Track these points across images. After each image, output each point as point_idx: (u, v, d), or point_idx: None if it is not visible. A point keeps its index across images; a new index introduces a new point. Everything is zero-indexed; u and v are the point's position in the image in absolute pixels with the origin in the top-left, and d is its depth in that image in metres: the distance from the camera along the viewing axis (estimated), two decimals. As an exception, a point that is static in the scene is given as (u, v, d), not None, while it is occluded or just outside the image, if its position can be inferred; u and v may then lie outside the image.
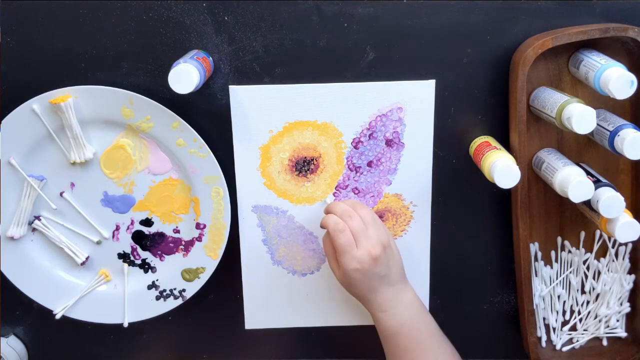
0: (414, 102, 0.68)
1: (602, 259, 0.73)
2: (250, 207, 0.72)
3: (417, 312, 0.68)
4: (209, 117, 0.69)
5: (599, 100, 0.68)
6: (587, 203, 0.64)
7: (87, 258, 0.72)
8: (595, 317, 0.75)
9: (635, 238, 0.62)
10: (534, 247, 0.73)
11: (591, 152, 0.70)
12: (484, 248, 0.74)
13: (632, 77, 0.57)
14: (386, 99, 0.68)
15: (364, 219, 0.65)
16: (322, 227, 0.66)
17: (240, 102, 0.68)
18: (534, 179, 0.70)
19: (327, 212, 0.67)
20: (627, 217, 0.62)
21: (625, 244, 0.73)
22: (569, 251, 0.73)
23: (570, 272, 0.74)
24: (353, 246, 0.63)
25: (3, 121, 0.66)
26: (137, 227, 0.72)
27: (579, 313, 0.75)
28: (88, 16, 0.65)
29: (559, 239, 0.73)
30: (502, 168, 0.60)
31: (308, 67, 0.67)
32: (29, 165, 0.69)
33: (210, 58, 0.66)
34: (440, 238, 0.74)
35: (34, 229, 0.71)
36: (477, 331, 0.78)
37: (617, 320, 0.75)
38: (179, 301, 0.73)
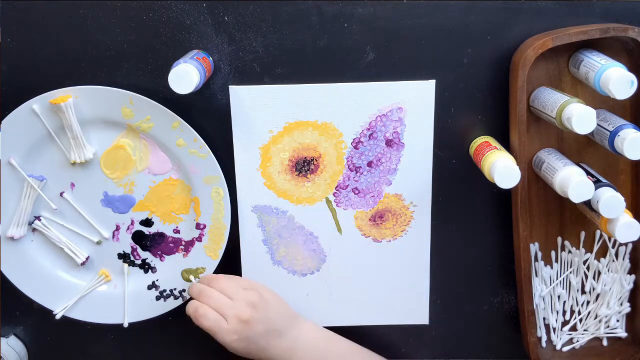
0: (414, 102, 0.68)
1: (602, 259, 0.73)
2: (250, 207, 0.72)
3: (323, 344, 0.69)
4: (209, 117, 0.69)
5: (599, 100, 0.68)
6: (587, 203, 0.64)
7: (87, 258, 0.72)
8: (596, 317, 0.75)
9: (635, 238, 0.62)
10: (534, 247, 0.73)
11: (591, 152, 0.70)
12: (484, 248, 0.74)
13: (632, 77, 0.57)
14: (386, 99, 0.68)
15: (224, 290, 0.66)
16: (187, 314, 0.67)
17: (240, 102, 0.68)
18: (534, 179, 0.70)
19: (188, 295, 0.69)
20: (627, 217, 0.62)
21: (625, 244, 0.73)
22: (569, 251, 0.73)
23: (571, 272, 0.74)
24: (221, 322, 0.64)
25: (3, 121, 0.66)
26: (137, 227, 0.72)
27: (579, 313, 0.75)
28: (88, 16, 0.65)
29: (559, 239, 0.73)
30: (502, 168, 0.60)
31: (308, 67, 0.67)
32: (29, 165, 0.69)
33: (210, 58, 0.66)
34: (440, 238, 0.74)
35: (34, 229, 0.71)
36: (477, 331, 0.78)
37: (617, 321, 0.75)
38: (179, 301, 0.73)
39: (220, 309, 0.65)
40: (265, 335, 0.66)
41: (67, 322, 0.74)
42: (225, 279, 0.69)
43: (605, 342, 0.76)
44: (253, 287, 0.69)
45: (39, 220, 0.71)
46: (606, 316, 0.74)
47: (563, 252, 0.73)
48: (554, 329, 0.75)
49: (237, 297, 0.66)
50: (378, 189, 0.72)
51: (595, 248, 0.73)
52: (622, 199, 0.61)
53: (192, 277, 0.71)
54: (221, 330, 0.64)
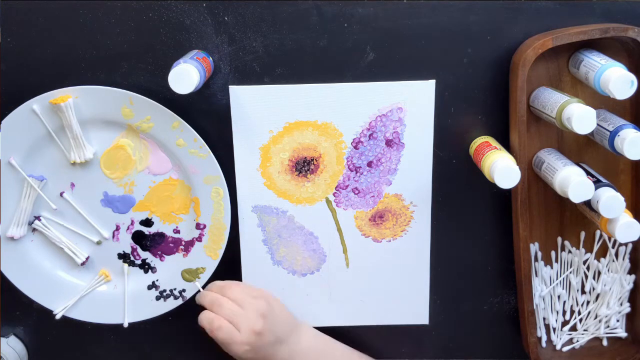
0: (414, 102, 0.68)
1: (602, 259, 0.73)
2: (250, 207, 0.72)
3: (322, 347, 0.71)
4: (209, 117, 0.69)
5: (599, 100, 0.68)
6: (587, 203, 0.64)
7: (87, 258, 0.72)
8: (596, 317, 0.75)
9: (635, 238, 0.62)
10: (534, 247, 0.73)
11: (591, 152, 0.70)
12: (484, 248, 0.74)
13: (632, 77, 0.57)
14: (386, 99, 0.68)
15: (236, 299, 0.67)
16: (199, 324, 0.67)
17: (240, 102, 0.68)
18: (534, 179, 0.70)
19: (199, 304, 0.69)
20: (627, 217, 0.62)
21: (625, 244, 0.73)
22: (569, 251, 0.73)
23: (570, 272, 0.74)
24: (235, 333, 0.65)
25: (3, 121, 0.66)
26: (137, 227, 0.72)
27: (579, 313, 0.75)
28: (88, 16, 0.65)
29: (559, 239, 0.73)
30: (502, 168, 0.60)
31: (308, 67, 0.67)
32: (29, 166, 0.69)
33: (210, 58, 0.66)
34: (440, 238, 0.74)
35: (34, 229, 0.71)
36: (477, 331, 0.78)
37: (617, 321, 0.75)
38: (179, 301, 0.73)
39: (232, 319, 0.66)
40: (273, 344, 0.67)
41: (67, 322, 0.74)
42: (236, 288, 0.69)
43: (605, 342, 0.76)
44: (261, 295, 0.70)
45: (39, 220, 0.71)
46: (606, 316, 0.74)
47: (563, 252, 0.73)
48: (554, 329, 0.75)
49: (248, 307, 0.67)
50: (378, 189, 0.72)
51: (595, 248, 0.73)
52: (622, 199, 0.61)
53: (197, 283, 0.71)
54: (234, 341, 0.65)
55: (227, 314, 0.66)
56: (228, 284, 0.70)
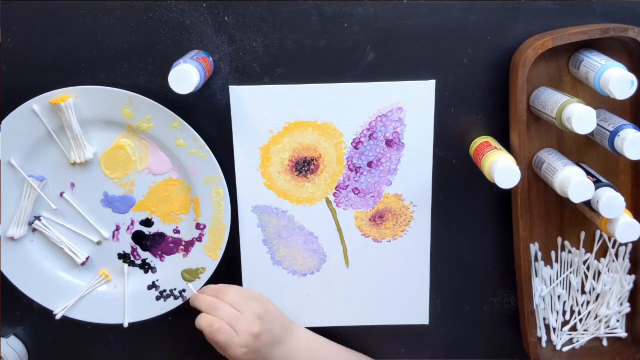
0: (414, 102, 0.68)
1: (602, 259, 0.73)
2: (250, 207, 0.72)
3: (315, 346, 0.71)
4: (209, 117, 0.69)
5: (599, 100, 0.68)
6: (587, 203, 0.64)
7: (87, 258, 0.72)
8: (595, 317, 0.75)
9: (635, 238, 0.62)
10: (534, 247, 0.73)
11: (591, 152, 0.70)
12: (484, 248, 0.74)
13: (632, 77, 0.57)
14: (386, 99, 0.68)
15: (232, 303, 0.67)
16: (197, 327, 0.67)
17: (240, 102, 0.68)
18: (534, 179, 0.70)
19: (193, 305, 0.69)
20: (627, 217, 0.62)
21: (625, 244, 0.73)
22: (569, 251, 0.73)
23: (570, 272, 0.74)
24: (233, 336, 0.65)
25: (3, 121, 0.66)
26: (137, 227, 0.72)
27: (579, 313, 0.75)
28: (88, 16, 0.65)
29: (559, 239, 0.73)
30: (502, 168, 0.60)
31: (308, 67, 0.67)
32: (29, 166, 0.69)
33: (210, 58, 0.66)
34: (440, 238, 0.74)
35: (34, 229, 0.71)
36: (477, 331, 0.78)
37: (617, 321, 0.75)
38: (179, 301, 0.73)
39: (230, 322, 0.66)
40: (270, 345, 0.68)
41: (67, 322, 0.74)
42: (231, 291, 0.69)
43: (605, 342, 0.76)
44: (255, 297, 0.70)
45: (39, 220, 0.71)
46: (606, 316, 0.74)
47: (563, 252, 0.73)
48: (554, 329, 0.75)
49: (245, 310, 0.67)
50: (378, 189, 0.72)
51: (595, 248, 0.73)
52: (622, 199, 0.61)
53: (191, 285, 0.71)
54: (233, 344, 0.65)
55: (224, 317, 0.66)
56: (223, 288, 0.70)
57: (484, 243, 0.74)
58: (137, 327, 0.75)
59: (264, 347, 0.67)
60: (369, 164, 0.71)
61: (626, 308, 0.74)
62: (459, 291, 0.76)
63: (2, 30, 0.66)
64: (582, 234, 0.72)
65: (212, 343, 0.67)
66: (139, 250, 0.73)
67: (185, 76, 0.58)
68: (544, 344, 0.75)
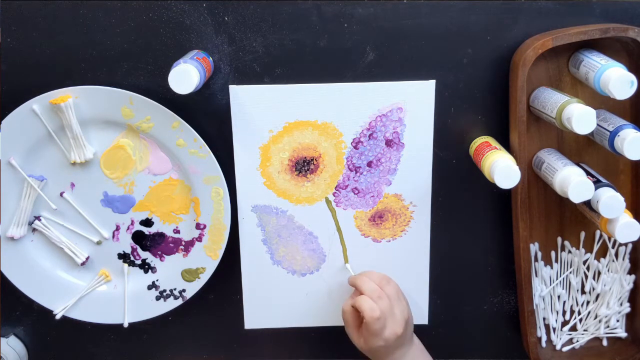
0: (414, 102, 0.68)
1: (602, 259, 0.73)
2: (250, 207, 0.72)
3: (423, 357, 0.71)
4: (209, 117, 0.69)
5: (599, 100, 0.68)
6: (587, 203, 0.64)
7: (87, 258, 0.72)
8: (595, 317, 0.75)
9: (635, 238, 0.62)
10: (534, 247, 0.73)
11: (591, 152, 0.70)
12: (484, 248, 0.74)
13: (632, 77, 0.57)
14: (386, 99, 0.68)
15: (390, 297, 0.68)
16: (353, 306, 0.68)
17: (240, 102, 0.68)
18: (534, 179, 0.70)
19: (354, 285, 0.70)
20: (627, 218, 0.62)
21: (625, 244, 0.73)
22: (569, 251, 0.73)
23: (570, 272, 0.74)
24: (384, 329, 0.66)
25: (3, 121, 0.66)
26: (137, 227, 0.72)
27: (579, 313, 0.75)
28: (88, 16, 0.65)
29: (559, 239, 0.73)
30: (502, 168, 0.60)
31: (308, 67, 0.67)
32: (29, 166, 0.69)
33: (210, 58, 0.66)
34: (440, 238, 0.74)
35: (34, 229, 0.71)
36: (477, 331, 0.78)
37: (617, 321, 0.75)
38: (179, 301, 0.73)
39: (385, 315, 0.66)
40: (399, 347, 0.68)
41: (67, 322, 0.74)
42: (392, 285, 0.70)
43: (605, 342, 0.76)
44: (402, 300, 0.70)
45: (39, 220, 0.71)
46: (606, 316, 0.74)
47: (563, 252, 0.73)
48: (554, 329, 0.75)
49: (396, 309, 0.68)
50: (378, 189, 0.72)
51: (595, 248, 0.73)
52: (622, 199, 0.61)
53: (348, 266, 0.73)
54: (378, 335, 0.66)
55: (382, 308, 0.66)
56: (385, 278, 0.71)
57: (484, 243, 0.74)
58: (137, 327, 0.75)
59: (395, 347, 0.68)
60: (369, 164, 0.71)
61: (626, 308, 0.74)
62: (459, 291, 0.76)
63: (2, 30, 0.66)
64: (582, 234, 0.72)
65: (347, 318, 0.68)
66: (139, 250, 0.73)
67: (185, 76, 0.58)
68: (544, 344, 0.75)
